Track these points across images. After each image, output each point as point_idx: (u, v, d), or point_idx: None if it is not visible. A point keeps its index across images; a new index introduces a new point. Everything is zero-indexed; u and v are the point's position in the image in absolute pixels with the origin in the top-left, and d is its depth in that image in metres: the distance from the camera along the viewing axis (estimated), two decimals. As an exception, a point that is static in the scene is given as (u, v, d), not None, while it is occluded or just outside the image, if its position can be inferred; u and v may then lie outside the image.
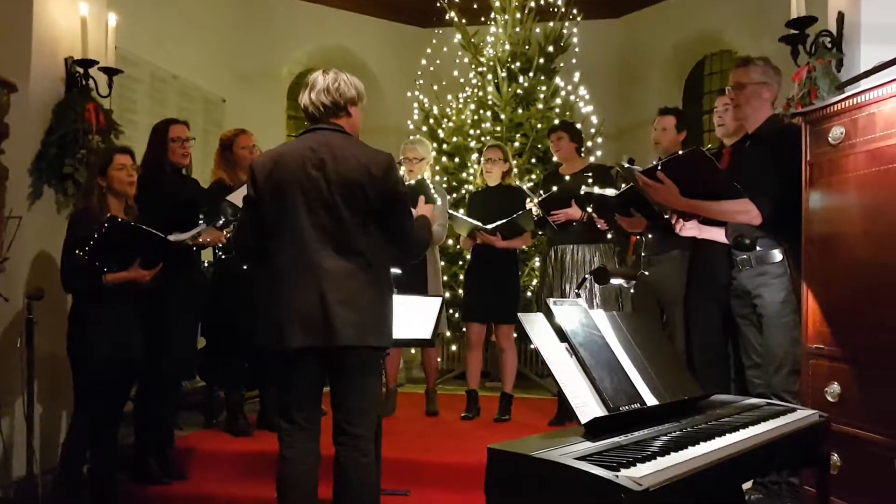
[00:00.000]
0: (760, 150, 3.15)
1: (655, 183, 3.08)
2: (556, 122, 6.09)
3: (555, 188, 4.56)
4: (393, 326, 2.79)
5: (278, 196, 2.66)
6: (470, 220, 4.66)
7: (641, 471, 1.57)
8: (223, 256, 4.28)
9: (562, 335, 2.02)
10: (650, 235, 4.04)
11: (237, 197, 3.99)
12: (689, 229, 3.29)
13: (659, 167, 3.08)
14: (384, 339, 2.73)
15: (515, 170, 5.22)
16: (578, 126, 5.09)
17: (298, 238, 2.64)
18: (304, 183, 2.63)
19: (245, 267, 4.15)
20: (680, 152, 3.35)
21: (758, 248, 3.12)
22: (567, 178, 4.73)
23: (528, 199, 4.62)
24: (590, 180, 4.36)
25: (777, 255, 3.11)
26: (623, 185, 3.78)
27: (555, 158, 6.14)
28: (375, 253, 2.71)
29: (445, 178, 6.33)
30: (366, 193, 2.64)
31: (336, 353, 2.65)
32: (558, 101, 6.50)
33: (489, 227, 4.59)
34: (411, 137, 5.16)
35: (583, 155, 4.81)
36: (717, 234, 3.30)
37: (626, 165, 3.36)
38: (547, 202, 4.55)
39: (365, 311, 2.64)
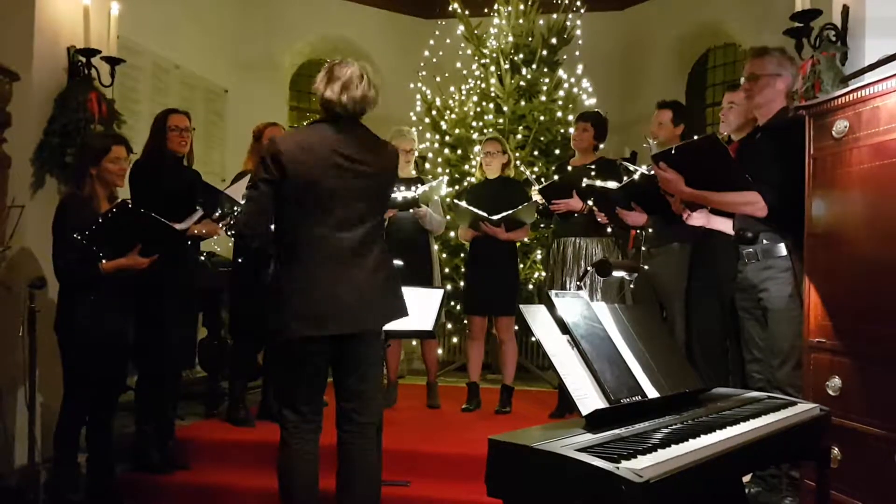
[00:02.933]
0: (770, 141, 3.12)
1: (660, 170, 3.08)
2: (566, 111, 6.11)
3: (556, 177, 4.55)
4: (405, 305, 2.89)
5: (306, 184, 2.64)
6: (475, 210, 4.64)
7: (642, 462, 1.57)
8: (241, 260, 4.29)
9: (563, 327, 2.02)
10: (650, 229, 4.03)
11: (235, 191, 3.99)
12: (697, 219, 3.26)
13: (673, 151, 3.07)
14: (392, 318, 2.82)
15: (517, 162, 5.20)
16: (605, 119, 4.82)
17: (321, 228, 2.66)
18: (334, 174, 2.66)
19: (240, 260, 4.15)
20: (696, 137, 3.33)
21: (764, 242, 3.10)
22: (572, 168, 4.71)
23: (532, 188, 4.61)
24: (592, 173, 4.34)
25: (783, 248, 3.09)
26: (626, 178, 3.77)
27: (557, 151, 6.19)
28: (382, 242, 2.83)
29: (448, 170, 6.32)
30: (381, 184, 2.79)
31: (347, 340, 2.70)
32: (561, 93, 6.50)
33: (494, 218, 4.58)
34: (402, 128, 5.10)
35: (597, 150, 4.77)
36: (725, 225, 3.27)
37: (644, 146, 3.34)
38: (548, 190, 4.54)
39: (382, 295, 2.76)
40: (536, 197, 4.58)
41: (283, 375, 2.79)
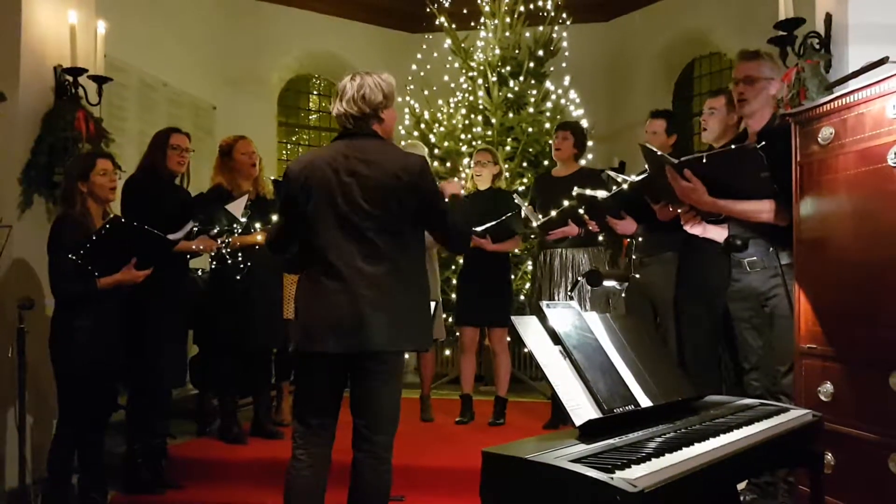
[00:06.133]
0: (776, 149, 3.00)
1: (683, 179, 3.00)
2: (554, 122, 6.11)
3: (553, 213, 4.53)
4: (431, 330, 2.85)
5: (311, 202, 2.66)
6: None
7: (636, 472, 1.57)
8: (214, 265, 4.26)
9: (555, 338, 2.02)
10: (641, 238, 4.04)
11: (235, 207, 3.99)
12: (694, 228, 3.23)
13: (704, 159, 2.97)
14: (419, 343, 2.77)
15: (507, 174, 5.20)
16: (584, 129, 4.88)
17: (330, 244, 2.64)
18: (337, 189, 2.63)
19: (238, 277, 4.14)
20: (732, 146, 3.25)
21: (770, 249, 3.08)
22: (558, 178, 4.72)
23: (518, 200, 4.61)
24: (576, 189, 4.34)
25: (787, 256, 3.05)
26: (615, 188, 3.78)
27: (545, 163, 6.21)
28: (407, 257, 2.70)
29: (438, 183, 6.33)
30: (399, 198, 2.64)
31: (364, 357, 2.64)
32: (549, 104, 6.53)
33: (478, 229, 4.58)
34: (405, 142, 5.14)
35: (580, 160, 4.78)
36: (719, 235, 3.25)
37: (659, 153, 3.22)
38: (546, 226, 4.54)
39: (396, 315, 2.63)
40: (525, 212, 4.58)
41: (298, 386, 2.84)
